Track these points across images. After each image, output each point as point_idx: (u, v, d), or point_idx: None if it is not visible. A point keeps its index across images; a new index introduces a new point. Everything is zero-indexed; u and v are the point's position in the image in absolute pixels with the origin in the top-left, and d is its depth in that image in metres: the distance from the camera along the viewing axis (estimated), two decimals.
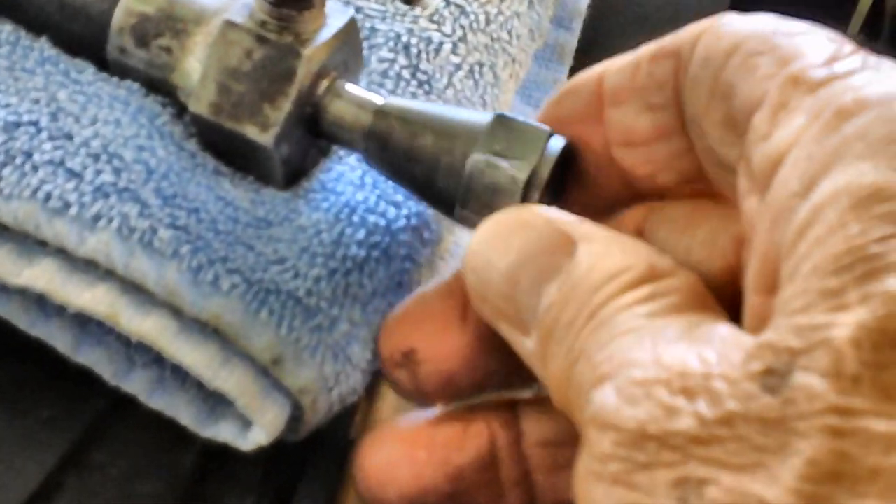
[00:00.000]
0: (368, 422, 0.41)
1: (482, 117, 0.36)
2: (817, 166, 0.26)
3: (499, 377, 0.36)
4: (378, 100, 0.37)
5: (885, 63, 0.27)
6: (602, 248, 0.30)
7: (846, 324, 0.23)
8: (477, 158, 0.35)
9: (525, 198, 0.35)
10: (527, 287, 0.30)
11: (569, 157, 0.35)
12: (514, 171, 0.34)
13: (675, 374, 0.25)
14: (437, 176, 0.36)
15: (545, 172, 0.35)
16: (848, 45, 0.28)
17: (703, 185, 0.34)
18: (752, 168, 0.28)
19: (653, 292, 0.28)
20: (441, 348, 0.35)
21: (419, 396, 0.36)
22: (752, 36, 0.30)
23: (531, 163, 0.35)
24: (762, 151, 0.28)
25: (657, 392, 0.25)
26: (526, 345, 0.30)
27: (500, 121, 0.35)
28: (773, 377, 0.24)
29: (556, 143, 0.35)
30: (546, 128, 0.35)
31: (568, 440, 0.34)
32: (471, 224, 0.35)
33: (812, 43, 0.29)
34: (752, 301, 0.27)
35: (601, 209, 0.35)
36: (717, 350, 0.25)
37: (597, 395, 0.26)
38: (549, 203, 0.35)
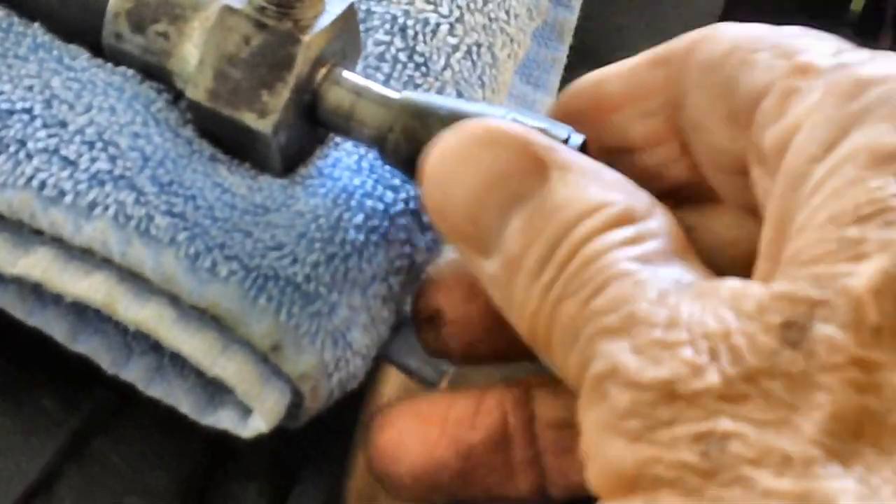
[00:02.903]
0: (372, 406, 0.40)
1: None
2: (836, 129, 0.26)
3: (522, 347, 0.35)
4: (376, 87, 0.37)
5: (891, 54, 0.27)
6: (577, 179, 0.29)
7: (866, 272, 0.23)
8: None
9: None
10: (493, 208, 0.29)
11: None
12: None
13: (697, 335, 0.25)
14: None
15: None
16: (847, 43, 0.29)
17: (693, 193, 0.34)
18: (763, 150, 0.28)
19: (638, 234, 0.28)
20: (464, 314, 0.36)
21: (443, 355, 0.37)
22: (747, 37, 0.30)
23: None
24: (774, 130, 0.28)
25: (682, 352, 0.25)
26: (485, 267, 0.30)
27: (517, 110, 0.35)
28: (793, 330, 0.24)
29: (576, 139, 0.35)
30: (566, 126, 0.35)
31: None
32: None
33: (812, 39, 0.29)
34: (762, 266, 0.27)
35: None
36: (729, 306, 0.25)
37: (609, 348, 0.26)
38: None
